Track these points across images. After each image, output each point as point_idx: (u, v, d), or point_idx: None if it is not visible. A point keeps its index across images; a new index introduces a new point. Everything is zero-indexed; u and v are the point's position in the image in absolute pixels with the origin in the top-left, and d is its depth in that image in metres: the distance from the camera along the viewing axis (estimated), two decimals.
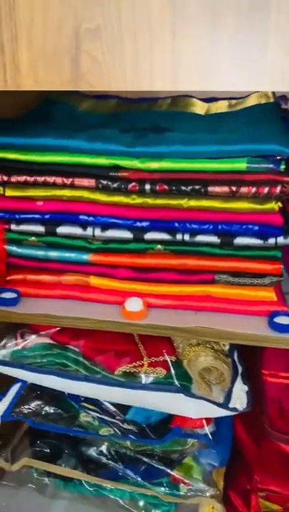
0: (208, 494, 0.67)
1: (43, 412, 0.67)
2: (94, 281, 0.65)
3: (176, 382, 0.64)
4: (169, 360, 0.66)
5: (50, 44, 0.43)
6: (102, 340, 0.67)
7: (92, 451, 0.70)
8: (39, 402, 0.68)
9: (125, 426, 0.66)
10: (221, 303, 0.61)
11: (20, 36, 0.43)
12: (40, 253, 0.65)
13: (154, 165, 0.57)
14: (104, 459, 0.70)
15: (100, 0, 0.40)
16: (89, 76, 0.44)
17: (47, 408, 0.68)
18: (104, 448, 0.70)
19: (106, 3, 0.40)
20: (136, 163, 0.58)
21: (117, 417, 0.67)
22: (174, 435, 0.65)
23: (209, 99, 0.80)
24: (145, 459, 0.70)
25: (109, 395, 0.65)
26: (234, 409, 0.61)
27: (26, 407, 0.68)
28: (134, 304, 0.61)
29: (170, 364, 0.65)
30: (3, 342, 0.67)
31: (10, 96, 0.63)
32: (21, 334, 0.69)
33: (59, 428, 0.66)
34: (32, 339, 0.68)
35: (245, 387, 0.63)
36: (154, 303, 0.62)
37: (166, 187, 0.58)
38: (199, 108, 0.77)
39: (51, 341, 0.68)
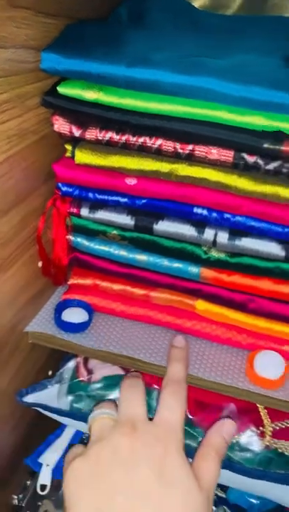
0: None
1: None
2: (202, 306, 0.41)
3: None
4: None
5: None
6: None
7: None
8: None
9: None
10: None
11: None
12: (124, 254, 0.41)
13: None
14: None
15: None
16: None
17: None
18: None
19: None
20: None
21: None
22: None
23: None
24: None
25: None
26: None
27: None
28: (270, 364, 0.38)
29: None
30: (59, 372, 0.47)
31: None
32: (84, 361, 0.47)
33: None
34: (99, 369, 0.47)
35: None
36: None
37: None
38: None
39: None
